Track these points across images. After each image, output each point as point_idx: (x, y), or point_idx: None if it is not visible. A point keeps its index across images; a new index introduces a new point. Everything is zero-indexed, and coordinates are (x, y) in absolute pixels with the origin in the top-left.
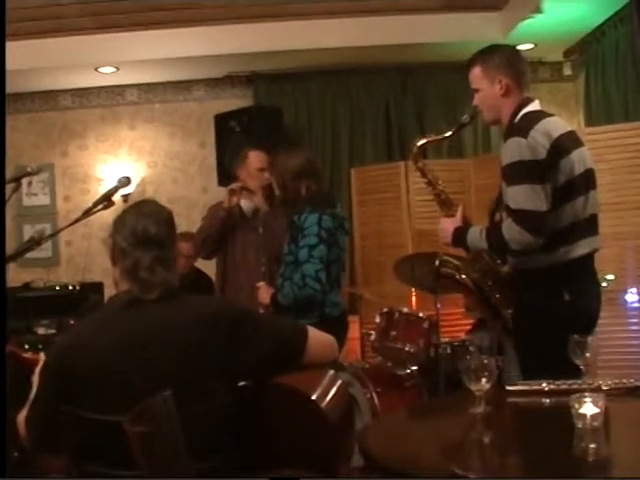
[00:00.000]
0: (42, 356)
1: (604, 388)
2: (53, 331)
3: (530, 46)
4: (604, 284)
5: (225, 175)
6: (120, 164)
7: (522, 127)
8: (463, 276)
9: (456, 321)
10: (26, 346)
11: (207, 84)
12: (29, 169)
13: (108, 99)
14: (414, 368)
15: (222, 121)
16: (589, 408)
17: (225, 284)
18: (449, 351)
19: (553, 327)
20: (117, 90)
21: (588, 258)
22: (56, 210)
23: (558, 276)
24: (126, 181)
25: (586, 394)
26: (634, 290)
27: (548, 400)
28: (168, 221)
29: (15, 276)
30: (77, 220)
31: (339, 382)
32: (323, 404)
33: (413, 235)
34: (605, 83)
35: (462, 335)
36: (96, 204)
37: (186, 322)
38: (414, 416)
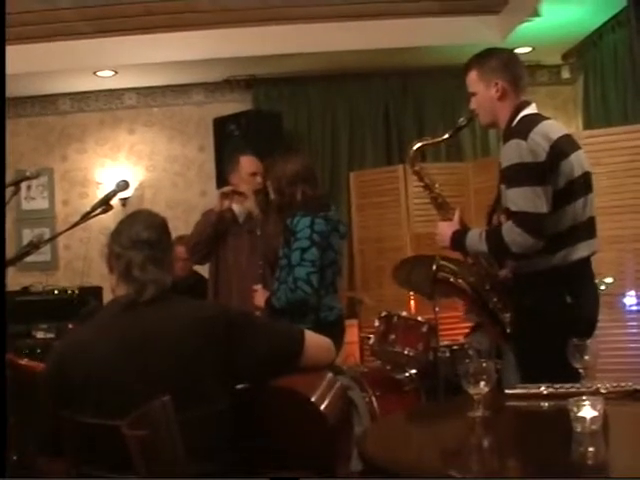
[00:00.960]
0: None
1: (603, 391)
2: (52, 335)
3: (528, 49)
4: (603, 287)
5: (224, 179)
6: (119, 168)
7: (521, 129)
8: (460, 280)
9: (455, 325)
10: (25, 351)
11: (206, 88)
12: (28, 173)
13: (107, 103)
14: (413, 372)
15: (221, 125)
16: (588, 411)
17: (217, 288)
18: (448, 355)
19: (553, 330)
20: (116, 94)
21: (587, 261)
22: (55, 214)
23: (558, 279)
24: (125, 185)
25: (585, 397)
26: (633, 293)
27: (547, 404)
28: (161, 226)
29: (14, 280)
30: (76, 224)
31: (338, 384)
32: (322, 406)
33: (412, 239)
34: (603, 86)
35: (461, 339)
36: (95, 208)
37: (183, 326)
38: (413, 420)
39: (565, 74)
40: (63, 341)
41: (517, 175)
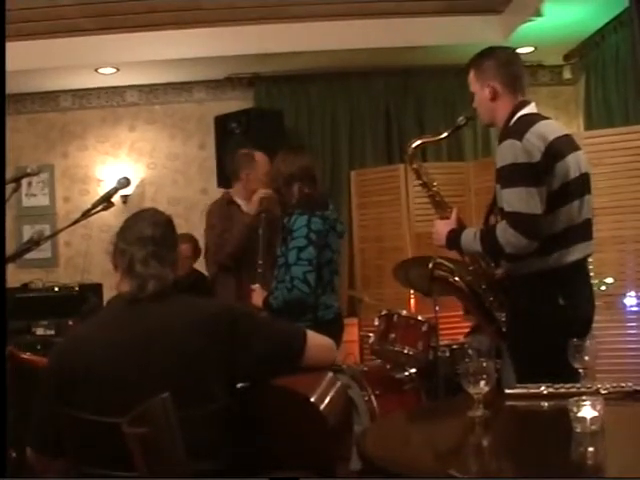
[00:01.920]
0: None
1: (603, 392)
2: (52, 332)
3: (530, 49)
4: (603, 287)
5: (225, 177)
6: (120, 165)
7: (517, 130)
8: (457, 279)
9: (455, 324)
10: (25, 347)
11: (207, 86)
12: (29, 170)
13: (108, 100)
14: (413, 371)
15: (222, 123)
16: (588, 412)
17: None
18: (448, 354)
19: (548, 331)
20: (117, 91)
21: (582, 263)
22: (55, 211)
23: (552, 281)
24: (126, 182)
25: (585, 398)
26: (633, 294)
27: (546, 404)
28: (166, 224)
29: (14, 277)
30: (76, 221)
31: (338, 384)
32: (322, 406)
33: (412, 238)
34: (605, 87)
35: (461, 338)
36: (95, 205)
37: (185, 323)
38: (413, 419)
39: (567, 74)
40: (66, 337)
41: (511, 175)
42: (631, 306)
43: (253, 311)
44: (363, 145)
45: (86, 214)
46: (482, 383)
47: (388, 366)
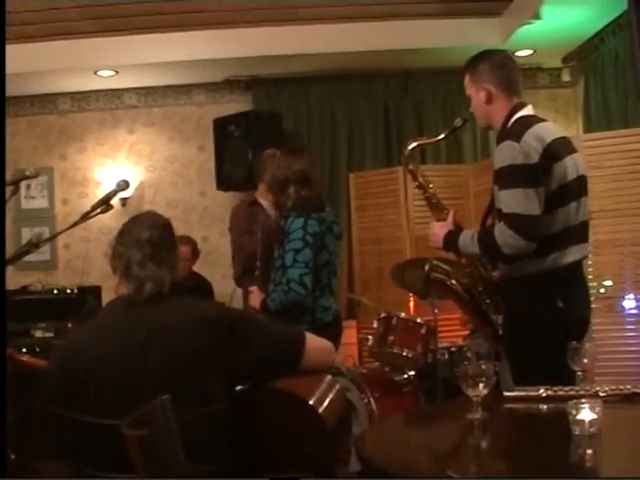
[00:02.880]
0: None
1: (601, 394)
2: (51, 334)
3: (529, 52)
4: (602, 290)
5: (224, 179)
6: (119, 168)
7: (515, 131)
8: (453, 281)
9: (454, 327)
10: (23, 349)
11: (206, 88)
12: (28, 172)
13: (107, 103)
14: (412, 373)
15: (221, 125)
16: (586, 414)
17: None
18: (447, 357)
19: (545, 334)
20: (116, 94)
21: (578, 264)
22: (54, 213)
23: (549, 283)
24: (125, 185)
25: (583, 400)
26: (632, 296)
27: (545, 406)
28: (163, 227)
29: (13, 279)
30: (75, 224)
31: (337, 387)
32: (321, 409)
33: (411, 240)
34: (604, 90)
35: (460, 341)
36: (94, 208)
37: (184, 326)
38: (411, 421)
39: (566, 77)
40: (65, 340)
41: (509, 177)
42: (630, 309)
43: (251, 313)
44: (362, 147)
45: (85, 217)
46: (481, 386)
47: (387, 369)
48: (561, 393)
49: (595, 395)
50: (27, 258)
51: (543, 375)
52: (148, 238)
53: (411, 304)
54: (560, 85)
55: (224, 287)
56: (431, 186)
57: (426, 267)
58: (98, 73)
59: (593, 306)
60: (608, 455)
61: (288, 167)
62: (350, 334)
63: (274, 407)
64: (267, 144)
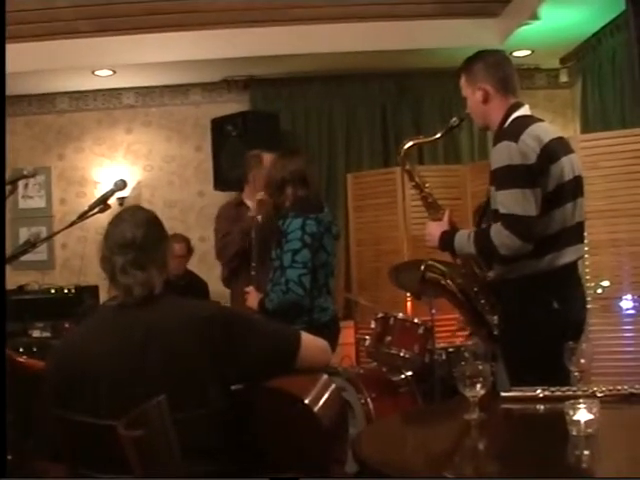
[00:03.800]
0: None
1: (598, 395)
2: (48, 334)
3: (527, 52)
4: (599, 291)
5: (221, 179)
6: (116, 167)
7: (512, 131)
8: (448, 281)
9: (451, 327)
10: (21, 349)
11: (204, 88)
12: (25, 172)
13: (105, 102)
14: (409, 374)
15: (218, 125)
16: (583, 415)
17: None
18: (444, 357)
19: (541, 334)
20: (114, 93)
21: (574, 265)
22: (52, 213)
23: (545, 283)
24: (122, 184)
25: (580, 401)
26: (629, 297)
27: (542, 407)
28: (147, 223)
29: (10, 279)
30: (73, 223)
31: (332, 386)
32: (316, 408)
33: (409, 241)
34: (601, 90)
35: (457, 341)
36: (92, 207)
37: (179, 325)
38: (408, 422)
39: (563, 77)
40: (61, 340)
41: (506, 177)
42: (627, 309)
43: (246, 313)
44: (360, 148)
45: (82, 216)
46: (478, 386)
47: (384, 369)
48: (558, 393)
49: (592, 396)
50: (24, 258)
51: (539, 376)
52: (131, 240)
53: (408, 304)
54: (558, 86)
55: (222, 287)
56: (427, 185)
57: (422, 267)
58: (96, 73)
59: (590, 306)
60: (605, 456)
61: (285, 167)
62: (347, 334)
63: (269, 406)
64: (264, 144)
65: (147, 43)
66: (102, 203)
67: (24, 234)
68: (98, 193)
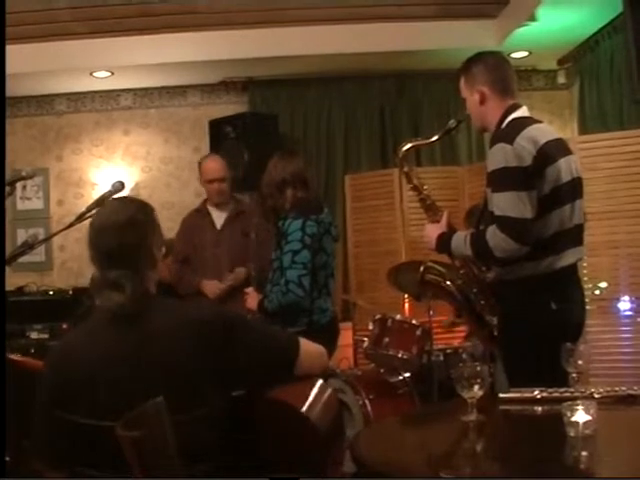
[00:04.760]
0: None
1: (596, 396)
2: (46, 336)
3: (524, 54)
4: (597, 292)
5: None
6: (114, 169)
7: (508, 133)
8: (448, 282)
9: (449, 328)
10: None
11: (202, 90)
12: (24, 173)
13: (103, 104)
14: (407, 375)
15: (217, 127)
16: (581, 416)
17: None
18: (442, 358)
19: (540, 335)
20: (112, 95)
21: (573, 267)
22: (50, 214)
23: (545, 285)
24: (120, 186)
25: (578, 402)
26: (627, 298)
27: (540, 408)
28: (128, 224)
29: (8, 280)
30: (71, 225)
31: (328, 391)
32: (312, 416)
33: (407, 242)
34: (599, 92)
35: (455, 343)
36: (90, 209)
37: (177, 329)
38: (406, 423)
39: (561, 79)
40: (57, 345)
41: (502, 179)
42: (625, 310)
43: (245, 317)
44: (358, 149)
45: (80, 218)
46: (476, 387)
47: (382, 370)
48: (556, 395)
49: (590, 397)
50: (22, 259)
51: (537, 377)
52: (108, 250)
53: (406, 306)
54: (555, 87)
55: None
56: (425, 187)
57: (421, 268)
58: (94, 74)
59: (588, 308)
60: (603, 457)
61: (285, 168)
62: (345, 336)
63: (265, 414)
64: (263, 146)
65: (145, 44)
66: (100, 205)
67: (22, 235)
68: (96, 195)
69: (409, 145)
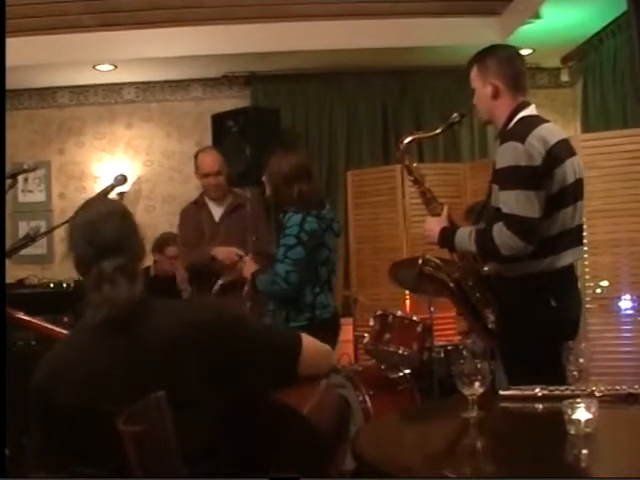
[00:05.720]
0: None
1: (597, 394)
2: None
3: (528, 52)
4: (598, 290)
5: None
6: (116, 162)
7: (519, 132)
8: (445, 275)
9: (450, 325)
10: (20, 342)
11: (204, 84)
12: (25, 166)
13: (106, 97)
14: (407, 371)
15: (219, 121)
16: (582, 414)
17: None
18: (442, 355)
19: (539, 333)
20: (115, 88)
21: (571, 265)
22: (51, 207)
23: (544, 283)
24: (122, 179)
25: (579, 400)
26: (628, 297)
27: (541, 405)
28: (122, 210)
29: (9, 273)
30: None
31: (334, 392)
32: (315, 419)
33: (408, 238)
34: (603, 90)
35: (456, 339)
36: (93, 201)
37: (176, 329)
38: (407, 420)
39: (564, 77)
40: (50, 354)
41: (511, 177)
42: (626, 309)
43: (244, 316)
44: (360, 145)
45: None
46: (476, 384)
47: (382, 366)
48: (557, 393)
49: (591, 395)
50: (23, 252)
51: (537, 374)
52: (105, 241)
53: (407, 302)
54: (559, 85)
55: None
56: (426, 181)
57: (419, 261)
58: (97, 67)
59: (589, 306)
60: (603, 455)
61: (290, 162)
62: (346, 332)
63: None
64: (265, 140)
65: (148, 38)
66: (102, 197)
67: (24, 228)
68: (98, 188)
69: (410, 138)
